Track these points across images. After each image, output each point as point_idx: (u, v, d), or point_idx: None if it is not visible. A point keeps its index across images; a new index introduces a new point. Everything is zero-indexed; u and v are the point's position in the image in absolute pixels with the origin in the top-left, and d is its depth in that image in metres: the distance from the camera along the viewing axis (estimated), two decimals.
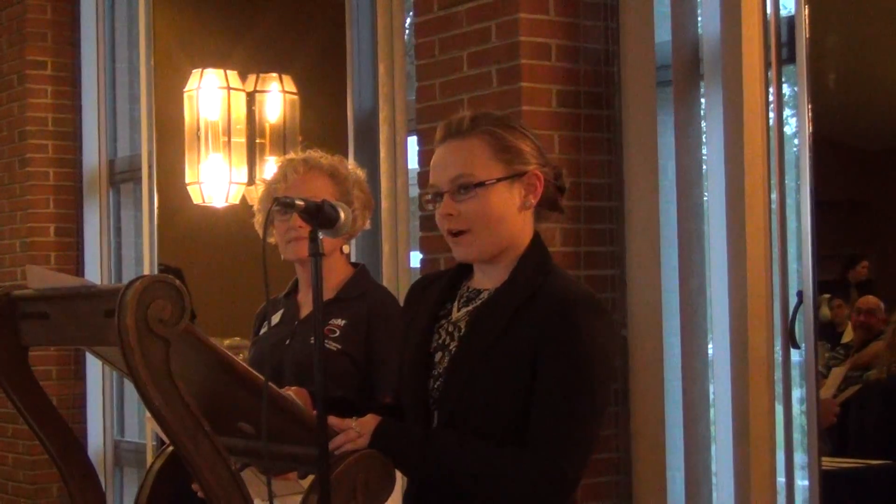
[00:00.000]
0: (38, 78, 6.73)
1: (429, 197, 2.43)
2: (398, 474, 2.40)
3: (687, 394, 3.97)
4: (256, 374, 2.35)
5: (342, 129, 5.34)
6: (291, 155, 3.24)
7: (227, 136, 5.56)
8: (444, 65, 4.27)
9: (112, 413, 6.69)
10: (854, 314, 3.99)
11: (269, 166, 5.45)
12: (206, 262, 5.78)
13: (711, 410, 3.99)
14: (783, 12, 3.80)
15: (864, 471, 3.92)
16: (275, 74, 5.63)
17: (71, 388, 6.64)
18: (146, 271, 6.06)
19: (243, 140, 5.61)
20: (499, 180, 2.37)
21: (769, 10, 3.80)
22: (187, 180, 5.59)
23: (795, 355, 3.76)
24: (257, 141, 5.62)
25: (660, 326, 4.01)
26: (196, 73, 5.58)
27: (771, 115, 3.80)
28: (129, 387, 6.27)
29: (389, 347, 2.95)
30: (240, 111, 5.60)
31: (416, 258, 4.73)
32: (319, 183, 3.11)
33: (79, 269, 6.67)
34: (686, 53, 4.01)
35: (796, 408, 3.77)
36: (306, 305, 3.19)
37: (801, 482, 3.76)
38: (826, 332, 3.95)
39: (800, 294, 3.70)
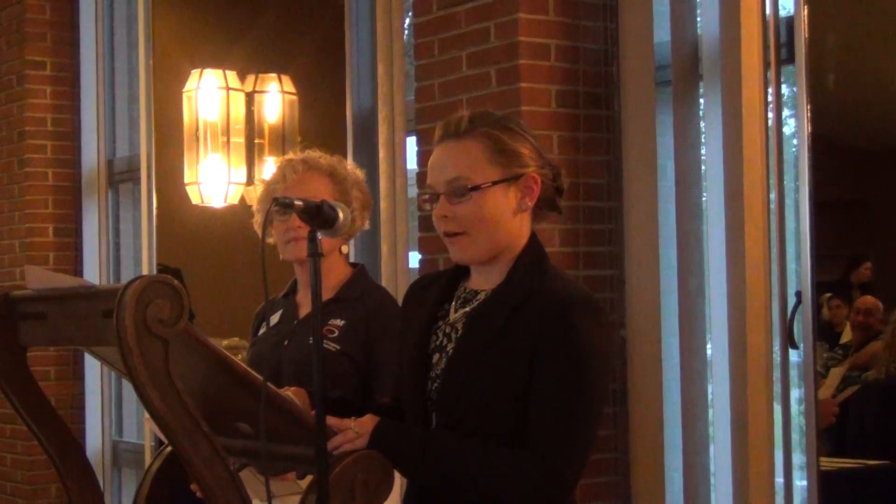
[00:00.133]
0: (37, 78, 6.73)
1: (426, 197, 2.43)
2: (397, 475, 2.41)
3: (685, 394, 3.97)
4: (255, 374, 2.35)
5: (341, 130, 5.33)
6: (290, 155, 3.24)
7: (226, 137, 5.56)
8: (443, 65, 4.27)
9: (110, 413, 6.69)
10: (852, 314, 3.99)
11: (268, 166, 5.45)
12: (204, 262, 5.78)
13: (710, 410, 3.98)
14: (782, 12, 3.80)
15: (862, 471, 3.92)
16: (274, 75, 5.63)
17: (69, 389, 6.63)
18: (145, 271, 6.06)
19: (242, 140, 5.61)
20: (494, 183, 2.37)
21: (768, 10, 3.80)
22: (186, 180, 5.60)
23: (794, 355, 3.76)
24: (256, 141, 5.62)
25: (658, 326, 4.01)
26: (195, 73, 5.58)
27: (770, 115, 3.79)
28: (127, 387, 6.27)
29: (388, 348, 2.94)
30: (239, 111, 5.60)
31: (414, 258, 4.73)
32: (318, 183, 3.11)
33: (77, 270, 6.66)
34: (685, 54, 4.01)
35: (795, 408, 3.77)
36: (305, 306, 3.19)
37: (800, 482, 3.75)
38: (824, 332, 3.95)
39: (798, 294, 3.70)
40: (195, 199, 5.59)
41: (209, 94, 5.54)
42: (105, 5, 6.78)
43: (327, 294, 3.01)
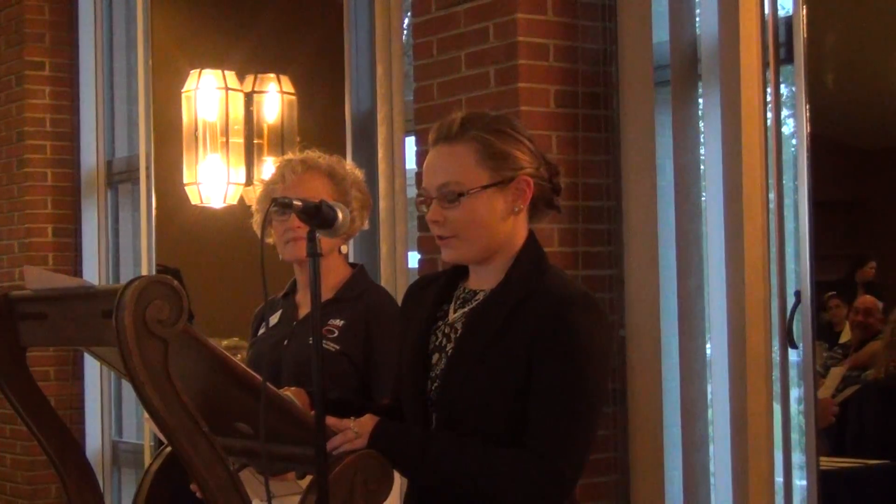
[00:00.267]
0: (36, 79, 6.73)
1: (422, 199, 2.44)
2: (396, 475, 2.41)
3: (685, 394, 3.97)
4: (254, 374, 2.35)
5: (340, 130, 5.33)
6: (289, 155, 3.24)
7: (225, 137, 5.56)
8: (442, 65, 4.27)
9: (110, 413, 6.69)
10: (852, 314, 3.99)
11: (267, 167, 5.45)
12: (204, 262, 5.77)
13: (709, 410, 3.98)
14: (781, 12, 3.81)
15: (862, 470, 3.92)
16: (273, 75, 5.63)
17: (69, 389, 6.63)
18: (144, 272, 6.06)
19: (241, 140, 5.61)
20: (484, 188, 2.37)
21: (767, 10, 3.80)
22: (185, 181, 5.59)
23: (793, 355, 3.76)
24: (255, 141, 5.62)
25: (658, 326, 4.01)
26: (194, 73, 5.58)
27: (769, 115, 3.80)
28: (127, 387, 6.27)
29: (388, 348, 2.94)
30: (238, 112, 5.60)
31: (413, 258, 4.73)
32: (317, 183, 3.11)
33: (77, 270, 6.67)
34: (684, 53, 4.01)
35: (794, 407, 3.78)
36: (304, 306, 3.19)
37: (800, 482, 3.76)
38: (824, 331, 3.95)
39: (798, 294, 3.70)
40: (194, 200, 5.59)
41: (208, 94, 5.54)
42: (104, 6, 6.78)
43: (327, 294, 3.01)
